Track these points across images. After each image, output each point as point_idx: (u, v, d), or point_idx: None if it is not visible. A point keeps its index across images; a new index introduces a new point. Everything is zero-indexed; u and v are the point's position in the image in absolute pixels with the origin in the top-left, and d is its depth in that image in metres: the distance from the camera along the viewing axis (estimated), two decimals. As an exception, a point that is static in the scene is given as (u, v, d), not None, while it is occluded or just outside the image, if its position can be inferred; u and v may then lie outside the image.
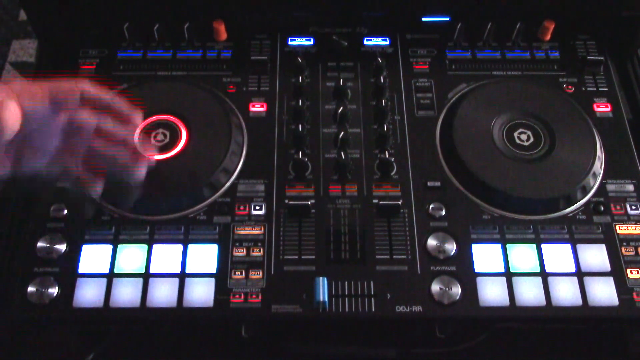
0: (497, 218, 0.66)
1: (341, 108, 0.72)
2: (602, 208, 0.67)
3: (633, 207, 0.67)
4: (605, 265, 0.63)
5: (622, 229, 0.66)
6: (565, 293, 0.61)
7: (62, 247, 0.63)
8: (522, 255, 0.64)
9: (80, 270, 0.62)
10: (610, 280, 0.62)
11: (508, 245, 0.64)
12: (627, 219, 0.66)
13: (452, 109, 0.73)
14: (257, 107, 0.74)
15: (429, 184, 0.68)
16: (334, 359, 0.67)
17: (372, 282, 0.62)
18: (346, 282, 0.62)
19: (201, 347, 0.68)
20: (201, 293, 0.61)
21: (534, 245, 0.64)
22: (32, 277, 0.62)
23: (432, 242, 0.64)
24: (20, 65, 1.19)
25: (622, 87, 0.78)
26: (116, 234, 0.64)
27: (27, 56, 1.21)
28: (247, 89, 0.76)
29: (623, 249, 0.64)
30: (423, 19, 0.81)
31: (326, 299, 0.61)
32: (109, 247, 0.64)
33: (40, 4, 0.77)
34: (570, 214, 0.67)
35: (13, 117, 0.50)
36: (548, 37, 0.80)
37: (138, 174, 0.59)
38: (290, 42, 0.80)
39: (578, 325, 0.64)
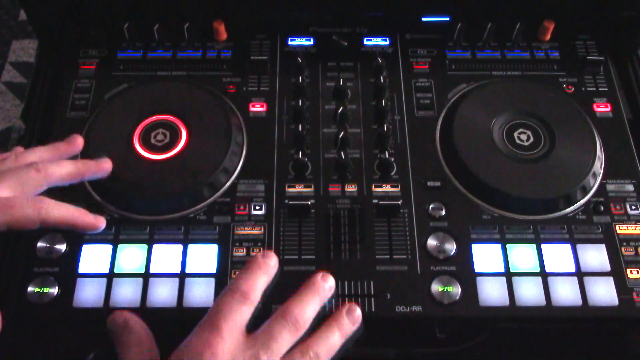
0: (497, 218, 0.66)
1: (341, 108, 0.72)
2: (602, 208, 0.67)
3: (633, 207, 0.67)
4: (605, 265, 0.63)
5: (622, 229, 0.66)
6: (565, 293, 0.61)
7: (62, 247, 0.63)
8: (522, 255, 0.64)
9: (80, 270, 0.62)
10: (610, 280, 0.62)
11: (508, 245, 0.64)
12: (627, 219, 0.66)
13: (452, 109, 0.73)
14: (257, 107, 0.74)
15: (429, 184, 0.68)
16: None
17: (372, 282, 0.62)
18: (346, 282, 0.62)
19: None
20: (201, 293, 0.61)
21: (534, 245, 0.64)
22: (32, 277, 0.62)
23: (432, 242, 0.64)
24: (20, 65, 1.19)
25: (622, 87, 0.78)
26: (116, 234, 0.64)
27: (27, 56, 1.22)
28: (247, 89, 0.76)
29: (623, 249, 0.64)
30: (423, 19, 0.81)
31: (326, 299, 0.61)
32: (109, 247, 0.64)
33: (40, 4, 0.76)
34: (570, 214, 0.67)
35: None
36: (548, 37, 0.80)
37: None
38: (290, 42, 0.80)
39: (578, 325, 0.64)
